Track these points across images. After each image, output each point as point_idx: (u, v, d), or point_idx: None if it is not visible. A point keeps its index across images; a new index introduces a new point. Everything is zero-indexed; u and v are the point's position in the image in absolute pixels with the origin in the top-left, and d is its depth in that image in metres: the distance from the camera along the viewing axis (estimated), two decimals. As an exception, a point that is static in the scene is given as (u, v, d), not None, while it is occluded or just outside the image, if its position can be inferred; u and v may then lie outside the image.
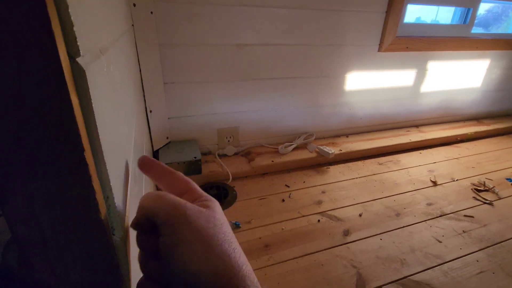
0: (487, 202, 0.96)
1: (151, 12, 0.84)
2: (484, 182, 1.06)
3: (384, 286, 0.65)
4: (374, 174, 1.12)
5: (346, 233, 0.81)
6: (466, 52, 1.40)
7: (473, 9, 1.37)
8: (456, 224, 0.86)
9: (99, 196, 0.18)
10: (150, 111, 0.96)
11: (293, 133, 1.25)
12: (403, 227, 0.84)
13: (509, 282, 0.68)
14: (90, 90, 0.17)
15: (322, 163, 1.17)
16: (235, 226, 0.82)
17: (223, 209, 0.88)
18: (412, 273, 0.69)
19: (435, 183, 1.07)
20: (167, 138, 1.05)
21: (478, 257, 0.74)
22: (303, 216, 0.87)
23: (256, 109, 1.14)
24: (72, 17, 0.15)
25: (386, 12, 1.15)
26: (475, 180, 1.10)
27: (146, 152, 0.77)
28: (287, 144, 1.18)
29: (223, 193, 0.96)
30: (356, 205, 0.93)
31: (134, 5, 0.80)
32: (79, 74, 0.16)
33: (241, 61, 1.02)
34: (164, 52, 0.91)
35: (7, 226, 0.20)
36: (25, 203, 0.18)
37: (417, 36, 1.27)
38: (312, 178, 1.08)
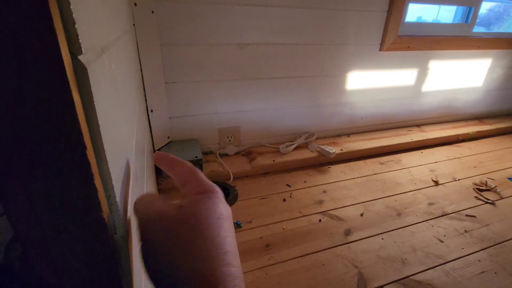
0: (489, 201, 0.96)
1: (152, 12, 0.84)
2: (486, 181, 1.06)
3: (386, 286, 0.65)
4: (375, 174, 1.11)
5: (347, 232, 0.81)
6: (468, 51, 1.40)
7: (474, 8, 1.36)
8: (458, 224, 0.86)
9: (101, 194, 0.18)
10: (151, 111, 0.96)
11: (294, 133, 1.25)
12: (405, 226, 0.84)
13: (511, 282, 0.67)
14: (92, 88, 0.17)
15: (323, 162, 1.17)
16: (236, 226, 0.82)
17: (224, 208, 0.88)
18: (413, 273, 0.69)
19: (436, 183, 1.06)
20: (168, 137, 1.05)
21: (480, 257, 0.74)
22: (304, 215, 0.87)
23: (257, 108, 1.14)
24: (74, 15, 0.15)
25: (388, 11, 1.14)
26: (477, 179, 1.09)
27: (147, 152, 0.77)
28: (288, 143, 1.18)
29: (224, 192, 0.95)
30: (357, 205, 0.93)
31: (135, 4, 0.80)
32: (81, 72, 0.16)
33: (242, 60, 1.02)
34: (165, 51, 0.91)
35: (9, 225, 0.20)
36: (26, 201, 0.18)
37: (418, 35, 1.27)
38: (313, 177, 1.08)
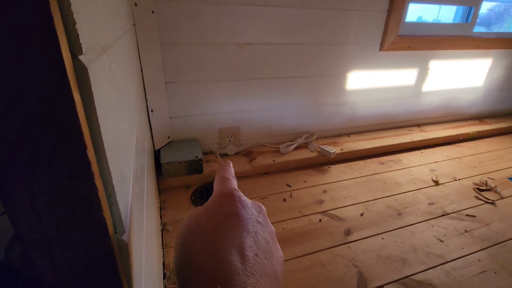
0: (489, 201, 0.96)
1: (153, 12, 0.84)
2: (486, 181, 1.06)
3: (386, 286, 0.65)
4: (376, 174, 1.11)
5: (348, 232, 0.81)
6: (468, 51, 1.40)
7: (475, 8, 1.36)
8: (458, 224, 0.86)
9: (101, 194, 0.18)
10: (152, 111, 0.96)
11: (294, 133, 1.25)
12: (405, 226, 0.84)
13: (511, 281, 0.67)
14: (92, 88, 0.17)
15: (323, 162, 1.17)
16: (237, 226, 0.82)
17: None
18: (413, 272, 0.69)
19: (436, 183, 1.06)
20: (169, 137, 1.05)
21: (480, 257, 0.74)
22: (304, 215, 0.87)
23: (257, 108, 1.14)
24: (74, 15, 0.15)
25: (388, 11, 1.14)
26: (477, 179, 1.09)
27: (147, 151, 0.77)
28: (288, 143, 1.18)
29: (224, 192, 0.96)
30: (357, 205, 0.93)
31: (136, 4, 0.80)
32: (82, 72, 0.16)
33: (242, 60, 1.02)
34: (165, 51, 0.91)
35: (10, 224, 0.20)
36: (27, 201, 0.18)
37: (419, 35, 1.27)
38: (313, 177, 1.08)
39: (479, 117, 1.64)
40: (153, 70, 0.91)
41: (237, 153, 1.16)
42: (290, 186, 1.02)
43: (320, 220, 0.85)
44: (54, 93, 0.15)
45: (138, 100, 0.66)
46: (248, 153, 1.15)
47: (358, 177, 1.09)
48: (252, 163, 1.08)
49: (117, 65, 0.31)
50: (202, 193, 0.95)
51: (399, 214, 0.89)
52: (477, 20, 1.39)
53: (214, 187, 0.26)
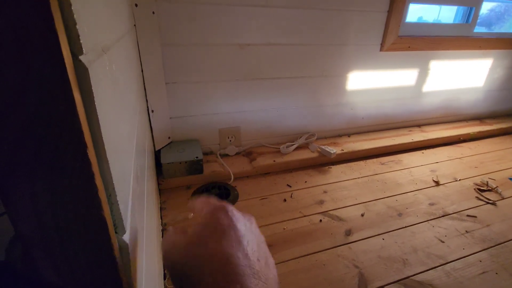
0: (490, 202, 0.96)
1: (153, 12, 0.84)
2: (487, 182, 1.06)
3: (386, 286, 0.65)
4: (376, 174, 1.11)
5: (348, 233, 0.81)
6: (469, 52, 1.40)
7: (475, 8, 1.36)
8: (459, 224, 0.86)
9: (102, 193, 0.18)
10: (152, 111, 0.96)
11: (294, 133, 1.25)
12: (405, 227, 0.84)
13: (512, 282, 0.67)
14: (93, 88, 0.17)
15: (323, 163, 1.17)
16: (237, 226, 0.82)
17: (225, 208, 0.88)
18: (414, 273, 0.69)
19: (437, 183, 1.06)
20: (169, 138, 1.05)
21: (481, 257, 0.74)
22: (305, 216, 0.87)
23: (257, 109, 1.14)
24: (75, 15, 0.15)
25: (388, 11, 1.14)
26: (478, 180, 1.09)
27: (148, 151, 0.77)
28: (288, 144, 1.18)
29: (224, 193, 0.96)
30: (358, 205, 0.93)
31: (136, 5, 0.80)
32: (82, 72, 0.16)
33: (243, 60, 1.03)
34: (166, 52, 0.92)
35: (10, 224, 0.20)
36: (28, 200, 0.18)
37: (419, 36, 1.27)
38: (314, 178, 1.08)
39: (480, 118, 1.64)
40: (154, 70, 0.91)
41: (237, 154, 1.16)
42: (290, 186, 1.02)
43: (320, 220, 0.85)
44: (54, 93, 0.15)
45: (138, 100, 0.66)
46: (249, 154, 1.15)
47: (358, 178, 1.09)
48: (252, 164, 1.08)
49: (118, 66, 0.31)
50: (203, 194, 0.95)
51: (400, 214, 0.89)
52: (478, 21, 1.39)
53: (200, 206, 0.27)
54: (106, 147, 0.18)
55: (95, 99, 0.17)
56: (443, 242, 0.79)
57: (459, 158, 1.26)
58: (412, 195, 0.99)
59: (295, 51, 1.08)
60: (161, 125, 1.00)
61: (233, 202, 0.92)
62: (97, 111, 0.17)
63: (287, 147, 1.16)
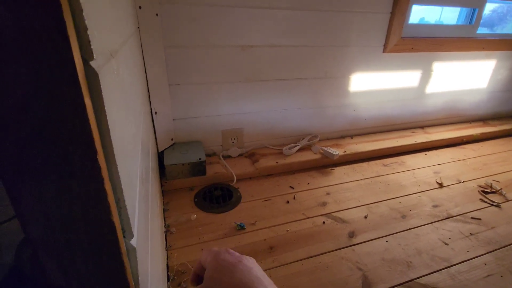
0: (494, 204, 0.95)
1: (157, 14, 0.84)
2: (491, 184, 1.05)
3: (390, 289, 0.65)
4: (379, 176, 1.11)
5: (351, 235, 0.81)
6: (472, 53, 1.39)
7: (478, 10, 1.36)
8: (463, 227, 0.85)
9: (111, 198, 0.18)
10: (155, 113, 0.96)
11: (297, 135, 1.24)
12: (409, 229, 0.84)
13: (517, 285, 0.67)
14: (102, 93, 0.17)
15: (326, 164, 1.17)
16: (240, 228, 0.82)
17: (228, 210, 0.88)
18: (418, 276, 0.68)
19: (441, 185, 1.06)
20: (172, 139, 1.05)
21: (486, 260, 0.73)
22: (308, 217, 0.87)
23: (260, 110, 1.14)
24: (86, 21, 0.15)
25: (391, 12, 1.14)
26: (482, 182, 1.09)
27: (152, 153, 0.77)
28: (291, 145, 1.18)
29: (227, 194, 0.96)
30: (361, 207, 0.93)
31: (140, 7, 0.80)
32: (93, 77, 0.16)
33: (245, 62, 1.03)
34: (169, 53, 0.92)
35: (20, 227, 0.20)
36: (37, 204, 0.18)
37: (422, 37, 1.26)
38: (317, 179, 1.08)
39: (483, 119, 1.63)
40: (157, 72, 0.91)
41: (240, 155, 1.16)
42: (293, 188, 1.02)
43: (323, 222, 0.85)
44: (65, 99, 0.15)
45: (142, 102, 0.67)
46: (251, 155, 1.15)
47: (361, 179, 1.08)
48: (255, 165, 1.08)
49: (124, 69, 0.31)
50: (205, 195, 0.95)
51: (403, 216, 0.89)
52: (480, 22, 1.38)
53: (205, 256, 0.30)
54: (115, 152, 0.18)
55: (105, 103, 0.17)
56: (447, 244, 0.78)
57: (463, 159, 1.26)
58: (416, 197, 0.99)
59: (298, 52, 1.08)
60: (164, 126, 1.00)
61: (236, 203, 0.92)
62: (107, 116, 0.17)
63: (290, 148, 1.16)
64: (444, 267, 0.71)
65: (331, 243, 0.77)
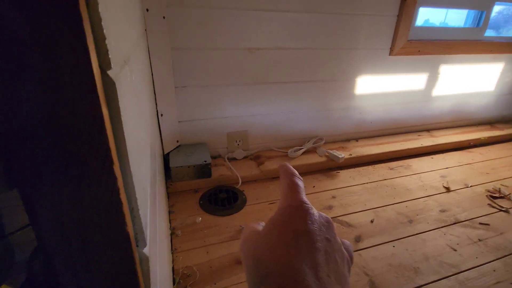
0: (503, 209, 0.94)
1: (164, 17, 0.85)
2: (500, 188, 1.03)
3: (398, 295, 0.64)
4: (385, 179, 1.10)
5: (358, 239, 0.80)
6: (479, 56, 1.38)
7: (486, 12, 1.34)
8: (471, 232, 0.84)
9: (126, 208, 0.18)
10: (161, 115, 0.96)
11: (302, 137, 1.24)
12: (416, 234, 0.83)
13: (528, 293, 0.66)
14: (119, 103, 0.17)
15: (332, 167, 1.16)
16: (245, 231, 0.81)
17: (233, 213, 0.88)
18: (426, 282, 0.67)
19: (448, 189, 1.04)
20: (177, 141, 1.05)
21: (495, 267, 0.72)
22: (314, 221, 0.86)
23: (265, 112, 1.13)
24: (104, 30, 0.15)
25: (398, 15, 1.14)
26: (490, 186, 1.07)
27: (158, 155, 0.77)
28: (296, 148, 1.18)
29: (232, 197, 0.95)
30: (367, 211, 0.92)
31: (147, 10, 0.80)
32: (110, 87, 0.16)
33: (252, 64, 1.02)
34: (175, 56, 0.92)
35: (34, 235, 0.20)
36: (53, 213, 0.18)
37: (429, 40, 1.25)
38: (322, 182, 1.07)
39: (490, 122, 1.61)
40: (163, 74, 0.92)
41: (245, 157, 1.15)
42: (298, 191, 1.01)
43: (329, 226, 0.84)
44: (84, 110, 0.15)
45: (149, 104, 0.67)
46: (256, 157, 1.15)
47: (367, 183, 1.07)
48: (260, 167, 1.08)
49: (135, 73, 0.31)
50: (211, 197, 0.95)
51: (410, 221, 0.88)
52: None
53: (282, 194, 0.25)
54: (130, 161, 0.18)
55: (122, 113, 0.17)
56: (455, 250, 0.77)
57: (470, 163, 1.24)
58: (423, 201, 0.98)
59: (304, 55, 1.08)
60: (170, 128, 1.00)
61: (241, 206, 0.92)
62: (123, 125, 0.17)
63: (295, 151, 1.16)
64: (452, 273, 0.70)
65: (337, 247, 0.76)
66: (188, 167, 0.95)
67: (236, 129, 1.12)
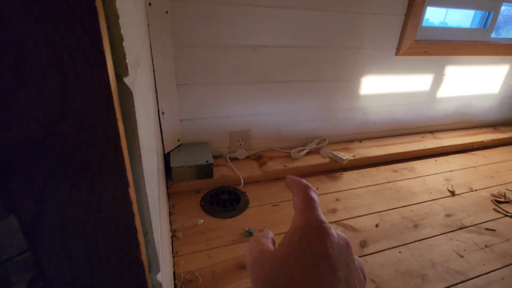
0: (508, 214, 0.93)
1: (167, 12, 0.82)
2: (505, 193, 1.02)
3: (406, 304, 0.63)
4: (389, 182, 1.09)
5: (363, 244, 0.78)
6: (485, 57, 1.36)
7: (494, 13, 1.32)
8: (478, 238, 0.83)
9: (140, 235, 0.16)
10: (163, 113, 0.94)
11: (305, 137, 1.22)
12: (422, 239, 0.81)
13: (537, 302, 0.64)
14: (136, 115, 0.14)
15: (335, 169, 1.14)
16: (249, 234, 0.79)
17: (235, 215, 0.86)
18: (434, 290, 0.66)
19: (453, 193, 1.03)
20: (179, 140, 1.02)
21: (503, 274, 0.71)
22: (318, 225, 0.84)
23: (269, 112, 1.11)
24: (122, 30, 0.12)
25: (405, 15, 1.11)
26: (494, 190, 1.06)
27: (158, 155, 0.75)
28: (299, 148, 1.15)
29: (235, 198, 0.93)
30: (372, 215, 0.90)
31: (150, 4, 0.77)
32: (127, 98, 0.14)
33: (255, 63, 1.00)
34: (178, 52, 0.89)
35: (32, 261, 0.18)
36: (57, 239, 0.15)
37: (436, 40, 1.23)
38: (326, 184, 1.05)
39: (494, 125, 1.60)
40: (165, 71, 0.89)
41: (247, 157, 1.13)
42: (302, 193, 0.99)
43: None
44: (97, 123, 0.12)
45: (152, 103, 0.64)
46: (259, 158, 1.13)
47: (371, 185, 1.06)
48: (262, 168, 1.06)
49: (144, 74, 0.29)
50: (212, 199, 0.92)
51: (416, 226, 0.86)
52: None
53: (296, 209, 0.23)
54: (146, 182, 0.16)
55: (138, 126, 0.15)
56: (462, 257, 0.76)
57: (474, 167, 1.23)
58: (428, 205, 0.96)
59: (309, 54, 1.05)
60: (171, 127, 0.98)
61: (244, 208, 0.90)
62: (140, 143, 0.15)
63: (298, 151, 1.13)
64: (460, 281, 0.69)
65: (343, 252, 0.75)
66: (190, 167, 0.93)
67: (238, 128, 1.10)
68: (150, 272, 0.19)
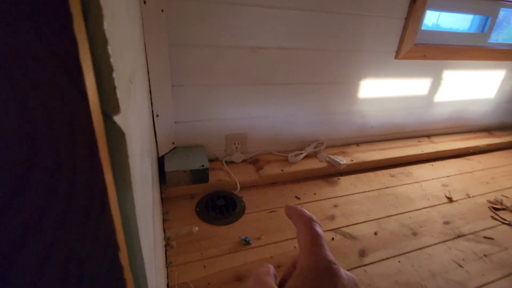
0: (506, 222, 0.92)
1: (162, 10, 0.78)
2: (502, 200, 1.02)
3: (406, 317, 0.61)
4: (387, 188, 1.07)
5: (362, 253, 0.77)
6: (482, 62, 1.36)
7: (492, 18, 1.32)
8: (476, 247, 0.82)
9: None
10: (157, 116, 0.90)
11: (303, 141, 1.20)
12: (421, 248, 0.80)
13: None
14: (129, 159, 0.11)
15: (332, 173, 1.12)
16: (245, 243, 0.77)
17: (231, 222, 0.83)
18: (434, 302, 0.65)
19: (450, 199, 1.03)
20: (173, 143, 0.99)
21: (502, 285, 0.70)
22: (316, 233, 0.82)
23: (266, 115, 1.08)
24: (111, 59, 0.10)
25: (406, 18, 1.10)
26: (491, 197, 1.06)
27: (153, 159, 0.71)
28: (297, 152, 1.13)
29: (231, 204, 0.91)
30: (370, 222, 0.89)
31: (145, 2, 0.73)
32: (118, 139, 0.11)
33: (253, 64, 0.97)
34: (173, 52, 0.85)
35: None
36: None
37: (435, 44, 1.22)
38: (323, 189, 1.03)
39: (488, 129, 1.61)
40: (160, 72, 0.85)
41: (243, 161, 1.10)
42: (299, 198, 0.97)
43: (332, 238, 0.81)
44: (78, 176, 0.09)
45: (146, 105, 0.60)
46: (255, 161, 1.10)
47: (369, 191, 1.04)
48: (259, 172, 1.03)
49: (137, 82, 0.25)
50: (208, 204, 0.89)
51: (414, 234, 0.85)
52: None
53: (301, 245, 0.22)
54: (140, 239, 0.13)
55: (131, 172, 0.12)
56: (461, 266, 0.75)
57: (470, 172, 1.23)
58: (426, 212, 0.95)
59: (308, 56, 1.03)
60: (165, 130, 0.94)
61: (240, 214, 0.87)
62: (133, 194, 0.12)
63: (296, 156, 1.11)
64: (460, 292, 0.68)
65: (342, 262, 0.73)
66: (185, 171, 0.90)
67: (235, 131, 1.07)
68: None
